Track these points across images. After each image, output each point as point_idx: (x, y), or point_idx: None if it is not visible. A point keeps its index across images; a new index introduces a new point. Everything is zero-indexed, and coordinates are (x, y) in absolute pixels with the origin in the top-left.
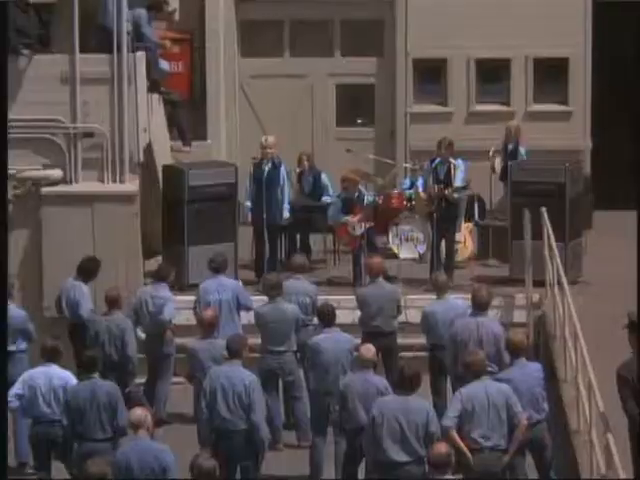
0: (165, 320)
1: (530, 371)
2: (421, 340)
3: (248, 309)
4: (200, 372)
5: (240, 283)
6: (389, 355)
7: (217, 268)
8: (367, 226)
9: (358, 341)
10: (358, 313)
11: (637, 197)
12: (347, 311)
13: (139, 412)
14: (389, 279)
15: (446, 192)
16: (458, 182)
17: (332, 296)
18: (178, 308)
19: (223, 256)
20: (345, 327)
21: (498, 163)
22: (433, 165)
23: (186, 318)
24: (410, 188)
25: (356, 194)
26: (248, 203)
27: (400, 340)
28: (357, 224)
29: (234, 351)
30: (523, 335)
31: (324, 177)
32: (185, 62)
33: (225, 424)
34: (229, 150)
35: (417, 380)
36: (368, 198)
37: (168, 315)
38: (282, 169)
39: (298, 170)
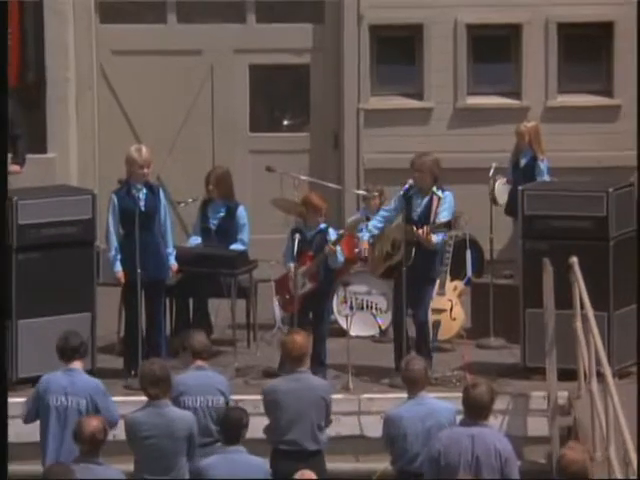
0: None
1: None
2: (382, 463)
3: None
4: None
5: (101, 386)
6: None
7: (69, 356)
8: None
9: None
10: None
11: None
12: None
13: None
14: (323, 365)
15: (419, 232)
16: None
17: (243, 395)
18: None
19: (79, 337)
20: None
21: (501, 187)
22: (407, 191)
23: (14, 432)
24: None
25: (313, 231)
26: (113, 251)
27: (339, 464)
28: (305, 278)
29: None
30: (584, 452)
31: (242, 211)
32: (13, 30)
33: None
34: (82, 169)
35: None
36: (331, 239)
37: None
38: (162, 197)
39: (199, 197)
